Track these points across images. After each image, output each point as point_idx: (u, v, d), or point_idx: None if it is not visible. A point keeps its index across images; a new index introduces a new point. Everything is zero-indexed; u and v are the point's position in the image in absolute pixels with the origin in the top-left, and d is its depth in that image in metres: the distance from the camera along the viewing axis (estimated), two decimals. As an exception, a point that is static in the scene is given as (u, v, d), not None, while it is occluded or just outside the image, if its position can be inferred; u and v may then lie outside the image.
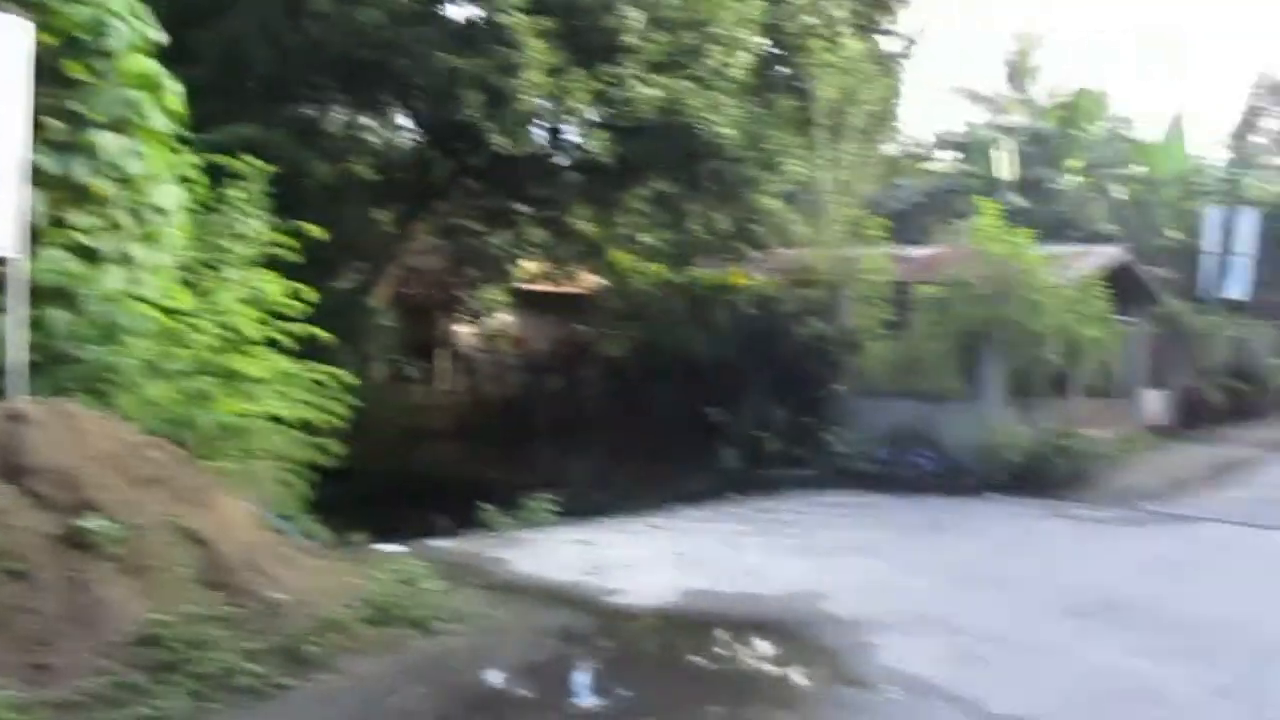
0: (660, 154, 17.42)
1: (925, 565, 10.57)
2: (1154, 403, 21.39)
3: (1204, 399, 22.06)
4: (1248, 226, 25.86)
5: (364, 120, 19.83)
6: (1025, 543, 12.32)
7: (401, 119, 19.84)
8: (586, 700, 7.00)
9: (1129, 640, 8.17)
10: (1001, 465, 15.35)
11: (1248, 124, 41.11)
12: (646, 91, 16.39)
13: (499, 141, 15.60)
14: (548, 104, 16.19)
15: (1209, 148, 34.42)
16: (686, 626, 8.40)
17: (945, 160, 35.99)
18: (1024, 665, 7.51)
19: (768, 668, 7.60)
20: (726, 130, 17.02)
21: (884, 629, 8.16)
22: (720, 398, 16.67)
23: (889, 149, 32.42)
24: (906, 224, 30.36)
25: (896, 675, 7.12)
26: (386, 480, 16.99)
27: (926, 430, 16.01)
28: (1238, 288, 25.32)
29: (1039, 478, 15.29)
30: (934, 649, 7.71)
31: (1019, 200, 29.79)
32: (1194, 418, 21.68)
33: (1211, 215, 26.29)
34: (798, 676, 7.49)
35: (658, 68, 16.66)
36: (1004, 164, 31.88)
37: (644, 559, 10.30)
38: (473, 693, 6.70)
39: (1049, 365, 16.89)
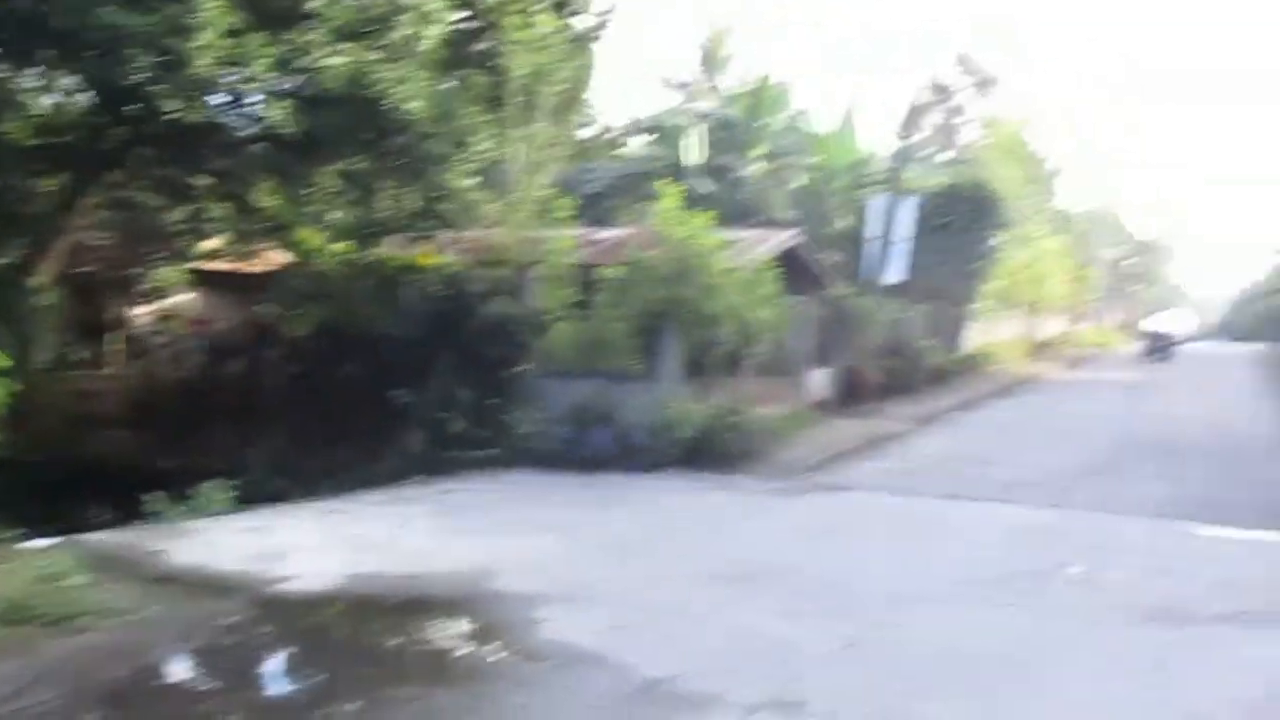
0: (347, 128, 16.99)
1: (592, 540, 11.01)
2: (820, 381, 22.96)
3: (864, 377, 23.87)
4: (906, 214, 28.12)
5: (24, 81, 18.31)
6: (690, 516, 12.98)
7: (69, 79, 18.44)
8: (228, 689, 6.86)
9: (775, 602, 8.85)
10: (676, 442, 16.06)
11: (913, 120, 44.69)
12: (332, 61, 15.99)
13: (173, 108, 14.82)
14: (226, 70, 15.51)
15: (881, 141, 37.11)
16: (350, 610, 8.41)
17: (639, 144, 36.98)
18: (674, 630, 8.00)
19: (428, 646, 7.74)
20: (416, 105, 16.81)
21: (549, 603, 8.46)
22: (407, 379, 16.59)
23: (584, 131, 33.13)
24: (599, 206, 31.14)
25: (557, 647, 7.43)
26: (49, 471, 15.97)
27: (608, 409, 16.51)
28: (896, 272, 27.51)
29: (711, 454, 16.12)
30: (595, 620, 8.08)
31: (707, 185, 31.19)
32: (855, 395, 23.42)
33: (874, 203, 28.41)
34: (458, 653, 7.68)
35: (345, 36, 16.29)
36: (693, 149, 33.18)
37: (315, 545, 10.19)
38: (107, 691, 6.47)
39: (723, 345, 17.81)
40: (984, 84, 55.92)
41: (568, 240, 18.61)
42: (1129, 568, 10.61)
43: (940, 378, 28.97)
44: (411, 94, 16.67)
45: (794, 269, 22.19)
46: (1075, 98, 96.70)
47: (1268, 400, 29.56)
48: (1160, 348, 44.79)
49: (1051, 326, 50.97)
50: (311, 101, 16.08)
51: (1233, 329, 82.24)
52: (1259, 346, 55.73)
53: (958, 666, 7.36)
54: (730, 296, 17.38)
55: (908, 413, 23.08)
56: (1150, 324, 50.03)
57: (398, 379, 16.53)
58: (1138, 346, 48.23)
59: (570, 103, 21.76)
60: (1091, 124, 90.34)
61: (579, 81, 22.44)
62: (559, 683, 6.84)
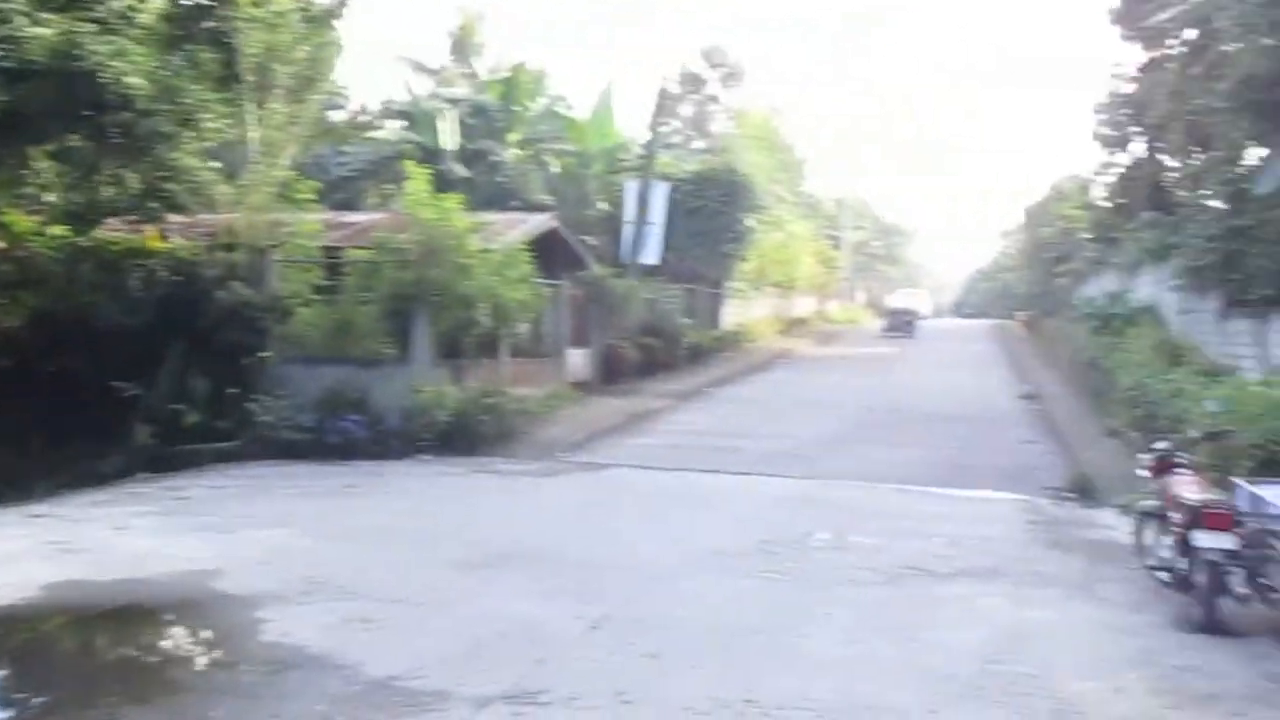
0: (59, 103, 15.65)
1: (334, 532, 10.42)
2: (579, 361, 22.84)
3: (623, 356, 23.92)
4: (660, 198, 28.40)
5: None
6: (442, 501, 12.54)
7: None
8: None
9: (523, 585, 8.54)
10: (431, 426, 15.56)
11: (666, 106, 45.18)
12: (36, 31, 14.69)
13: None
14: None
15: (636, 127, 37.31)
16: (44, 623, 7.55)
17: (392, 128, 35.97)
18: (413, 622, 7.57)
19: (128, 658, 7.05)
20: (135, 80, 15.64)
21: (277, 601, 7.88)
22: (134, 370, 15.38)
23: (334, 113, 31.93)
24: (350, 190, 30.09)
25: (280, 649, 6.88)
26: None
27: (359, 395, 15.84)
28: (652, 254, 27.75)
29: (468, 437, 15.69)
30: (325, 617, 7.55)
31: (462, 170, 30.60)
32: (614, 373, 23.44)
33: (630, 188, 28.56)
34: (163, 664, 7.01)
35: (51, 6, 14.98)
36: (447, 134, 32.51)
37: (15, 553, 9.19)
38: None
39: (478, 327, 17.39)
40: (731, 76, 57.50)
41: (312, 223, 17.75)
42: (876, 532, 10.85)
43: (699, 355, 29.42)
44: (130, 68, 15.50)
45: (552, 251, 21.98)
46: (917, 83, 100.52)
47: (998, 369, 31.42)
48: (901, 324, 46.43)
49: (804, 305, 52.77)
50: (14, 74, 14.73)
51: (966, 306, 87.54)
52: (988, 321, 59.39)
53: (710, 639, 7.24)
54: (484, 278, 16.97)
55: (667, 389, 23.27)
56: (892, 301, 52.74)
57: (124, 370, 15.30)
58: (881, 323, 50.05)
59: (310, 82, 20.72)
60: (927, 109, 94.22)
61: (320, 61, 21.41)
62: (275, 689, 6.27)
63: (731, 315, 37.18)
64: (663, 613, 7.87)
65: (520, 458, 15.45)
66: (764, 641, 7.22)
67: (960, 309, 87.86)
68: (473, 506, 12.27)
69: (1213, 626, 7.41)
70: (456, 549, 9.74)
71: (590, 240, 29.18)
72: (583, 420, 18.64)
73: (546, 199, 30.66)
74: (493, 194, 28.27)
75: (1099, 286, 31.75)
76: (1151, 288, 25.43)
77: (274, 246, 16.93)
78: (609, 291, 23.61)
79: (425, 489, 13.21)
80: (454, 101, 34.77)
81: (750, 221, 35.38)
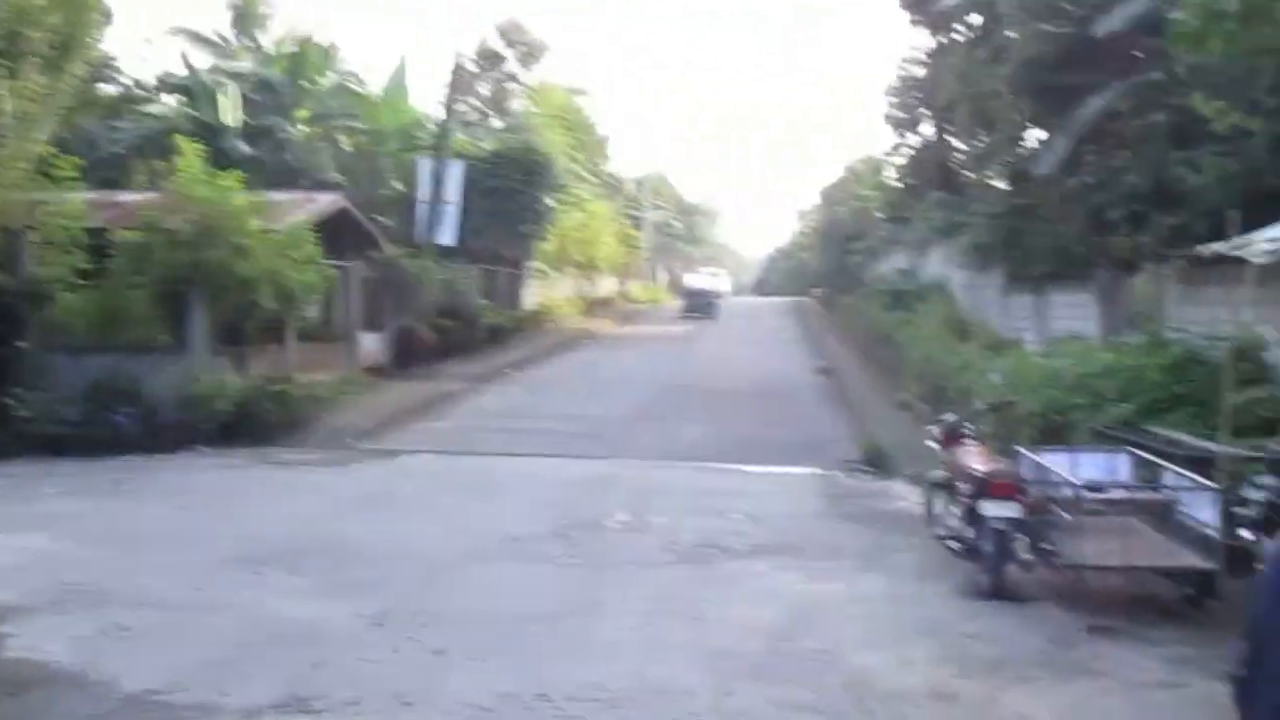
0: None
1: (97, 534, 9.60)
2: (372, 344, 22.06)
3: (419, 339, 23.23)
4: (455, 177, 27.73)
5: None
6: (218, 495, 11.79)
7: None
8: None
9: (300, 583, 8.02)
10: (211, 417, 14.68)
11: (462, 83, 44.25)
12: None
13: None
14: None
15: (433, 104, 36.39)
16: None
17: (169, 103, 33.99)
18: (176, 629, 6.97)
19: None
20: None
21: (25, 613, 7.14)
22: None
23: (105, 87, 29.94)
24: (120, 168, 28.24)
25: (22, 667, 6.21)
26: None
27: (130, 385, 14.78)
28: (448, 234, 27.09)
29: (251, 427, 14.87)
30: (79, 628, 6.87)
31: (246, 148, 29.11)
32: (410, 357, 22.74)
33: (425, 166, 27.79)
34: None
35: None
36: (229, 110, 30.90)
37: None
38: None
39: (261, 311, 16.48)
40: (530, 54, 56.83)
41: (75, 203, 16.45)
42: (674, 510, 10.73)
43: (499, 337, 28.94)
44: None
45: (342, 232, 21.12)
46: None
47: (795, 346, 32.10)
48: (700, 305, 44.92)
49: (605, 285, 52.84)
50: None
51: (767, 284, 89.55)
52: (787, 299, 60.80)
53: (498, 631, 6.90)
54: (266, 260, 16.07)
55: (466, 372, 22.74)
56: (690, 282, 51.72)
57: None
58: (679, 304, 49.10)
59: (69, 51, 19.27)
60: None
61: (79, 27, 19.95)
62: (14, 713, 5.65)
63: (532, 296, 36.80)
64: (449, 606, 7.49)
65: (307, 447, 14.74)
66: (555, 630, 6.94)
67: (761, 287, 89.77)
68: (251, 500, 11.55)
69: (999, 593, 7.53)
70: (230, 547, 9.09)
71: (385, 221, 28.28)
72: (375, 406, 17.96)
73: (338, 178, 29.53)
74: (280, 172, 26.98)
75: (891, 264, 32.78)
76: (940, 265, 26.30)
77: (30, 228, 15.61)
78: (403, 272, 22.81)
79: (201, 484, 12.41)
80: (236, 76, 33.09)
81: (550, 201, 34.99)
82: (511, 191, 32.71)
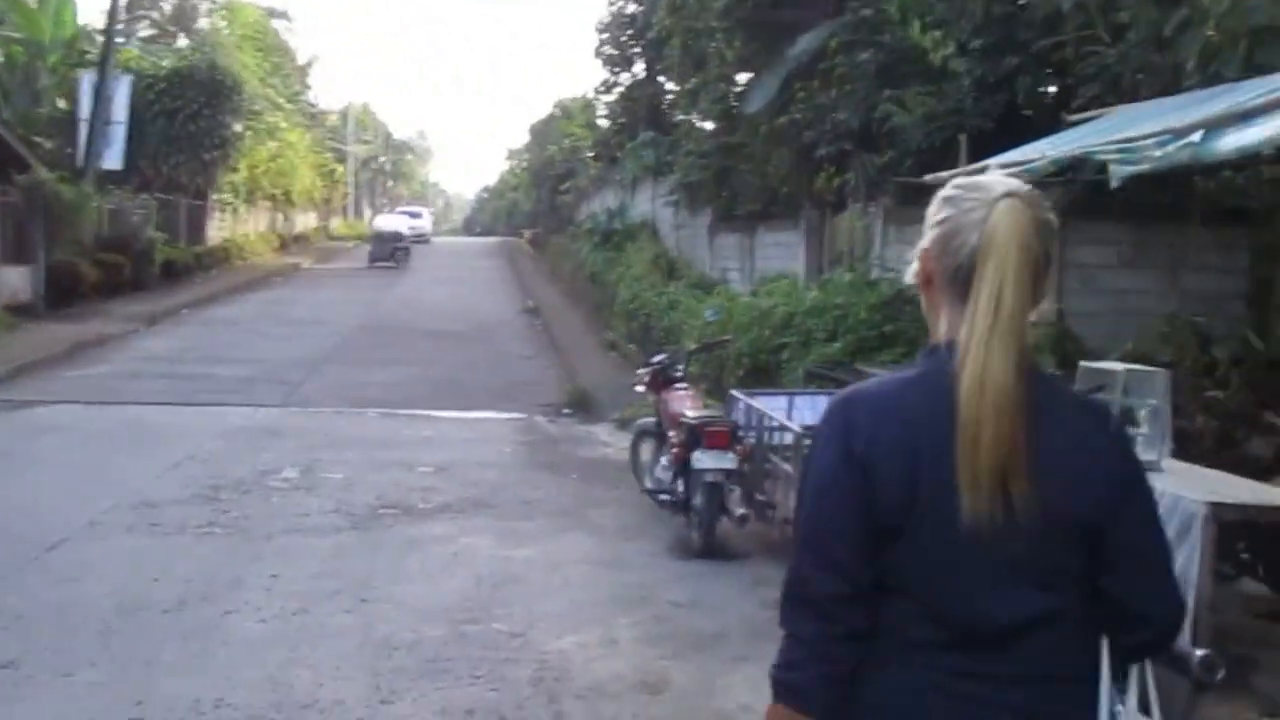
0: None
1: None
2: (18, 280, 19.25)
3: (78, 274, 20.50)
4: (123, 95, 24.78)
5: None
6: None
7: None
8: None
9: None
10: None
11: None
12: None
13: None
14: None
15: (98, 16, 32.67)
16: None
17: None
18: None
19: None
20: None
21: None
22: None
23: None
24: None
25: None
26: None
27: None
28: (114, 158, 24.21)
29: None
30: None
31: None
32: (68, 295, 20.04)
33: (86, 81, 24.65)
34: None
35: None
36: None
37: None
38: None
39: None
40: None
41: None
42: (353, 464, 9.42)
43: (178, 274, 26.31)
44: None
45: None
46: None
47: (502, 285, 30.97)
48: (388, 252, 36.42)
49: (304, 221, 49.86)
50: None
51: (477, 224, 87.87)
52: (496, 239, 59.54)
53: (101, 628, 5.43)
54: None
55: (134, 312, 20.28)
56: (380, 223, 43.92)
57: None
58: (368, 248, 38.50)
59: None
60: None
61: None
62: None
63: (220, 230, 33.91)
64: (42, 597, 5.93)
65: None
66: (176, 624, 5.53)
67: (470, 227, 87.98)
68: None
69: (711, 550, 6.74)
70: None
71: (45, 143, 24.97)
72: (12, 351, 15.48)
73: None
74: None
75: (601, 203, 32.10)
76: (649, 204, 25.80)
77: None
78: (54, 199, 19.88)
79: None
80: None
81: (238, 127, 32.11)
82: (193, 115, 29.72)
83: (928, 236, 1.76)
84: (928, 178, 7.81)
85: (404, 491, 8.43)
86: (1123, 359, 9.07)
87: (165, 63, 31.73)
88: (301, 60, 55.79)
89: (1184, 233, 10.30)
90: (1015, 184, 1.72)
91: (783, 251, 16.93)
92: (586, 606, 5.93)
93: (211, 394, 13.09)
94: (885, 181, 14.85)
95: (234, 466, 9.14)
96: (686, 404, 7.36)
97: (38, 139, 25.14)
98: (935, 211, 1.75)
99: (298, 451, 9.89)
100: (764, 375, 11.45)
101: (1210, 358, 8.88)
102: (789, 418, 7.42)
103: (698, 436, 6.71)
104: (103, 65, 24.60)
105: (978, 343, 1.63)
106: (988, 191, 1.70)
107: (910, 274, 1.81)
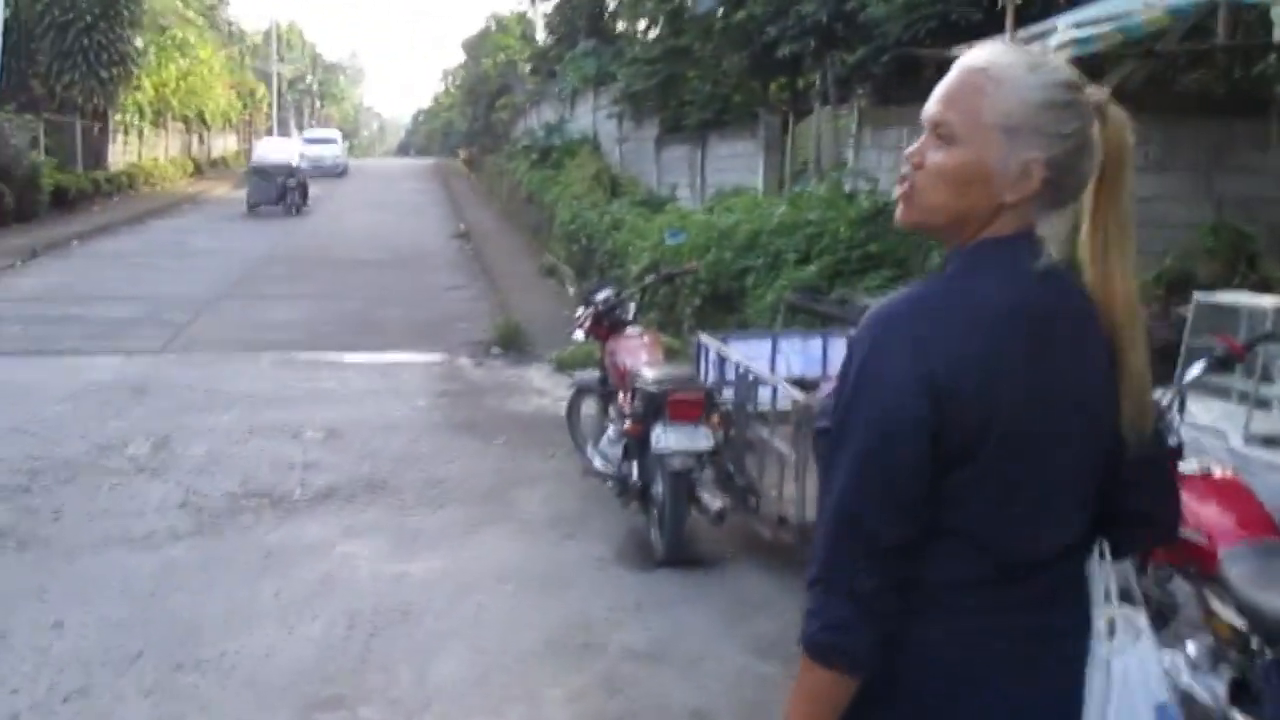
0: None
1: None
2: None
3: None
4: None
5: None
6: None
7: None
8: None
9: None
10: None
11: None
12: None
13: None
14: None
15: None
16: None
17: None
18: None
19: None
20: None
21: None
22: None
23: None
24: None
25: None
26: None
27: None
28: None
29: None
30: None
31: None
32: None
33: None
34: None
35: None
36: None
37: None
38: None
39: None
40: None
41: None
42: (225, 430, 7.54)
43: (70, 202, 23.89)
44: None
45: None
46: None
47: (433, 209, 28.80)
48: (271, 193, 26.26)
49: (223, 145, 46.97)
50: None
51: (410, 146, 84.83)
52: (430, 161, 56.96)
53: None
54: None
55: (10, 245, 17.98)
56: (260, 152, 29.79)
57: None
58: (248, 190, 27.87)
59: None
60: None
61: None
62: None
63: (126, 155, 31.30)
64: None
65: None
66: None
67: (404, 149, 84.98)
68: None
69: (678, 555, 4.97)
70: None
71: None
72: None
73: None
74: None
75: (539, 120, 29.91)
76: (590, 118, 23.82)
77: None
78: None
79: None
80: None
81: (139, 41, 29.36)
82: (88, 27, 26.98)
83: (1048, 146, 1.54)
84: (956, 51, 6.01)
85: (280, 472, 6.56)
86: (1160, 278, 7.52)
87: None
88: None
89: (1222, 129, 8.72)
90: (1094, 87, 1.60)
91: (738, 164, 15.21)
92: (505, 665, 4.11)
93: (78, 340, 11.08)
94: (857, 81, 13.16)
95: (68, 440, 7.19)
96: (641, 356, 5.50)
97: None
98: (1053, 118, 1.54)
99: (158, 416, 7.95)
100: (725, 306, 9.72)
101: (1259, 274, 7.35)
102: (773, 367, 5.66)
103: (659, 406, 4.87)
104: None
105: (1117, 261, 1.59)
106: (1087, 97, 1.58)
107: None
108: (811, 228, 9.79)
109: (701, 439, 4.80)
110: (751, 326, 8.21)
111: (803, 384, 5.28)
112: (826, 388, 5.68)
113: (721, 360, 5.47)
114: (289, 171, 26.90)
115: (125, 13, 28.16)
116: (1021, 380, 1.50)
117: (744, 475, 5.04)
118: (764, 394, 5.13)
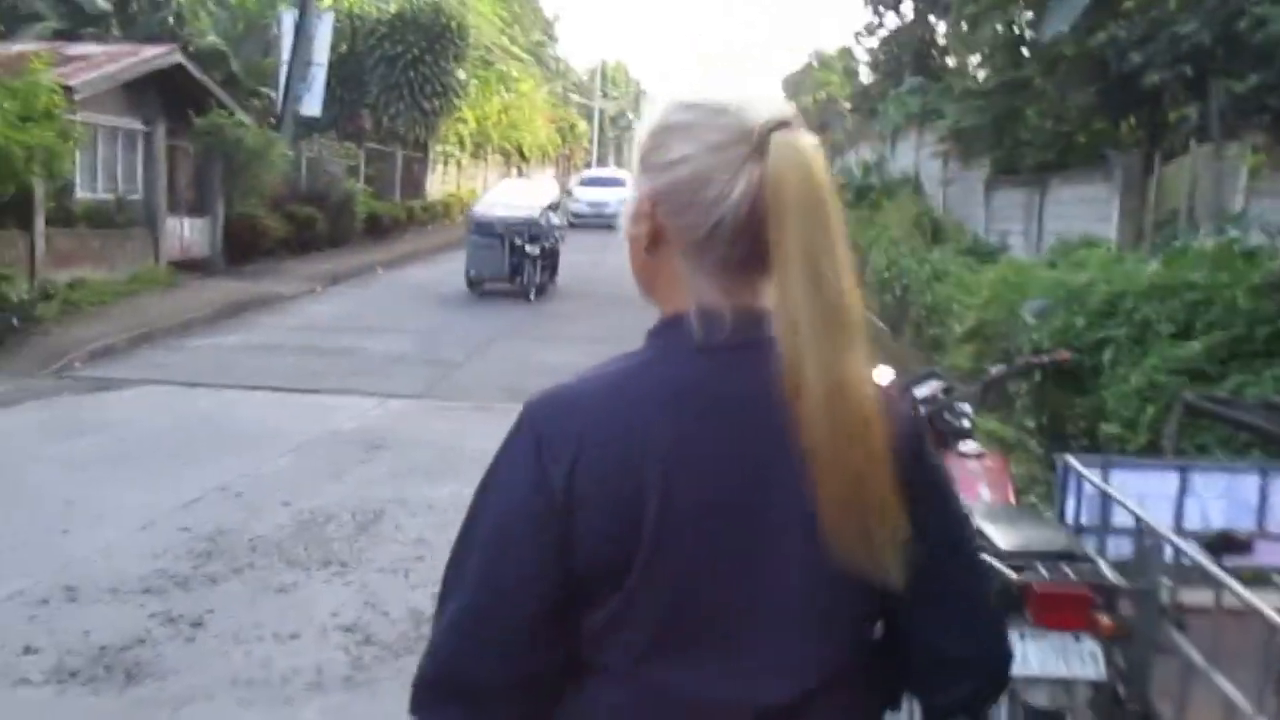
0: None
1: None
2: (194, 234, 17.25)
3: (260, 228, 18.37)
4: (324, 34, 22.65)
5: None
6: None
7: None
8: None
9: None
10: None
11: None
12: None
13: None
14: None
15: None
16: None
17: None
18: None
19: None
20: None
21: None
22: None
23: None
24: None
25: None
26: None
27: None
28: (314, 103, 22.13)
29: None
30: None
31: (104, 3, 23.62)
32: (248, 250, 17.96)
33: (286, 20, 22.61)
34: None
35: None
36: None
37: None
38: None
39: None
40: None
41: None
42: (438, 510, 6.26)
43: (383, 229, 24.19)
44: None
45: (182, 94, 16.58)
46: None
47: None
48: (514, 257, 16.79)
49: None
50: None
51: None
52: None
53: None
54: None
55: (317, 271, 18.08)
56: (485, 206, 18.30)
57: None
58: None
59: None
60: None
61: None
62: None
63: (444, 184, 31.93)
64: None
65: (10, 372, 10.20)
66: None
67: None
68: None
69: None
70: None
71: (271, 93, 23.16)
72: (151, 314, 13.28)
73: (219, 43, 24.10)
74: (154, 36, 21.60)
75: (857, 158, 28.25)
76: (912, 157, 21.95)
77: None
78: (234, 146, 17.61)
79: None
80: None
81: (462, 74, 29.80)
82: (414, 61, 27.57)
83: (652, 181, 1.29)
84: None
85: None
86: None
87: (390, 7, 29.83)
88: (548, 12, 53.98)
89: None
90: (777, 105, 1.24)
91: (1085, 210, 13.00)
92: None
93: (342, 376, 10.43)
94: (1249, 113, 10.75)
95: (269, 510, 6.14)
96: (980, 492, 3.68)
97: (265, 90, 23.45)
98: (658, 147, 1.28)
99: (382, 482, 6.83)
100: (1073, 385, 7.65)
101: None
102: (1180, 516, 3.71)
103: (1012, 599, 3.00)
104: (304, 1, 22.48)
105: (807, 325, 1.16)
106: (738, 117, 1.23)
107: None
108: (1195, 293, 7.54)
109: (1086, 660, 2.91)
110: (1110, 415, 6.22)
111: (1228, 544, 3.34)
112: (1267, 551, 3.78)
113: (1105, 502, 3.54)
114: (532, 232, 16.99)
115: (451, 46, 28.66)
116: (700, 490, 1.19)
117: (1144, 703, 3.11)
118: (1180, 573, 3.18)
